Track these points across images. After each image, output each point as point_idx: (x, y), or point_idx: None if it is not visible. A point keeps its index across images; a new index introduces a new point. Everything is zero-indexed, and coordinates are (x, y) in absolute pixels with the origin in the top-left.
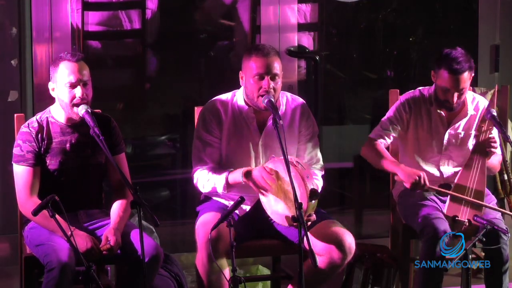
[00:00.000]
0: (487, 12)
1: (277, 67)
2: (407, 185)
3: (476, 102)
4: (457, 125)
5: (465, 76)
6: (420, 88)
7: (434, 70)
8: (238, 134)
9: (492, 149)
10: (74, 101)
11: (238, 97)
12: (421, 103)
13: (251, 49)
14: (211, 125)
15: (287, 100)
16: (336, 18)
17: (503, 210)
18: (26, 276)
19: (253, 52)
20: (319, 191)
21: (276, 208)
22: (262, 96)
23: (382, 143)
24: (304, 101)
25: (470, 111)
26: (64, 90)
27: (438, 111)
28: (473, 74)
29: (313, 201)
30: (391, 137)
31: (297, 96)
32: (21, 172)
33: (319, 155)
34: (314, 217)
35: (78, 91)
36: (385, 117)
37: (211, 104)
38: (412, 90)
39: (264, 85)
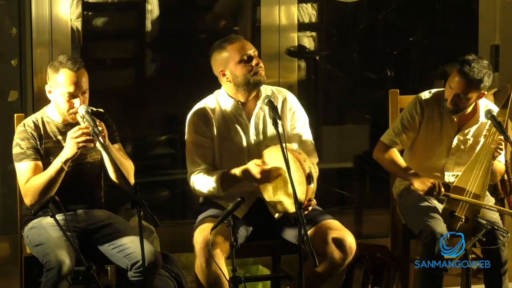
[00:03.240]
0: (487, 12)
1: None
2: (422, 193)
3: (487, 109)
4: (466, 131)
5: (469, 86)
6: (433, 90)
7: (455, 67)
8: (229, 131)
9: (499, 150)
10: (72, 110)
11: (221, 95)
12: (434, 105)
13: (220, 44)
14: (200, 126)
15: (273, 91)
16: (336, 18)
17: (503, 209)
18: (26, 276)
19: (225, 43)
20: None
21: (277, 197)
22: (257, 72)
23: (395, 148)
24: (290, 92)
25: (482, 118)
26: (62, 98)
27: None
28: (483, 91)
29: (312, 185)
30: (404, 142)
31: (282, 88)
32: (25, 168)
33: (313, 145)
34: (314, 201)
35: (76, 101)
36: (397, 120)
37: (196, 107)
38: (426, 91)
39: (254, 62)
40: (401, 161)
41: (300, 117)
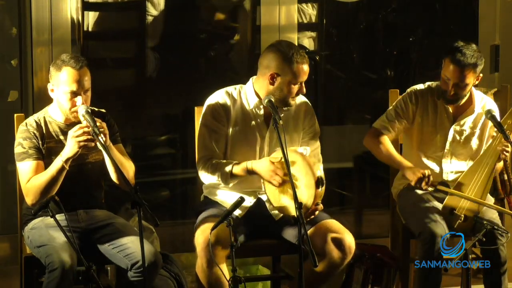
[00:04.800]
0: (487, 12)
1: None
2: (412, 182)
3: (483, 102)
4: (462, 121)
5: (467, 71)
6: (428, 83)
7: (443, 58)
8: (245, 126)
9: (505, 153)
10: (74, 109)
11: (246, 91)
12: (428, 96)
13: (292, 54)
14: (219, 112)
15: None
16: (336, 18)
17: (503, 209)
18: (26, 276)
19: (298, 58)
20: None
21: (284, 201)
22: (294, 98)
23: (387, 135)
24: (309, 103)
25: (478, 109)
26: (65, 96)
27: (445, 105)
28: (478, 75)
29: (320, 189)
30: (396, 129)
31: (302, 96)
32: (27, 167)
33: (320, 156)
34: (321, 206)
35: (78, 99)
36: (391, 108)
37: (218, 93)
38: (420, 84)
39: (301, 89)
40: (393, 149)
41: (313, 127)
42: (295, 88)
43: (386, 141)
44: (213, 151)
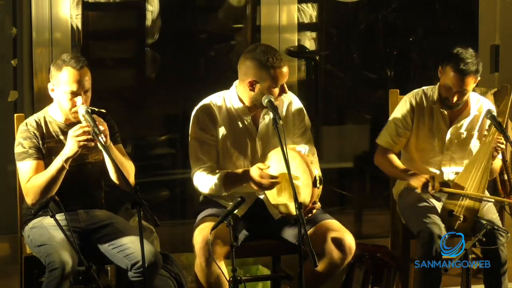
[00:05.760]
0: (487, 12)
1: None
2: (418, 190)
3: (480, 103)
4: (459, 124)
5: (469, 79)
6: (424, 87)
7: (441, 66)
8: (234, 132)
9: (498, 150)
10: (74, 109)
11: (230, 96)
12: (424, 102)
13: (268, 59)
14: (206, 123)
15: None
16: (336, 18)
17: (502, 199)
18: (26, 276)
19: (275, 62)
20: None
21: (282, 199)
22: (276, 100)
23: (393, 148)
24: (296, 96)
25: (474, 111)
26: (65, 96)
27: (441, 109)
28: (478, 78)
29: (318, 188)
30: (399, 141)
31: (288, 91)
32: (27, 167)
33: (314, 149)
34: (319, 204)
35: (79, 99)
36: (390, 119)
37: (203, 104)
38: (415, 90)
39: (282, 90)
40: (400, 163)
41: (303, 122)
42: (276, 90)
43: (394, 158)
44: (206, 161)
